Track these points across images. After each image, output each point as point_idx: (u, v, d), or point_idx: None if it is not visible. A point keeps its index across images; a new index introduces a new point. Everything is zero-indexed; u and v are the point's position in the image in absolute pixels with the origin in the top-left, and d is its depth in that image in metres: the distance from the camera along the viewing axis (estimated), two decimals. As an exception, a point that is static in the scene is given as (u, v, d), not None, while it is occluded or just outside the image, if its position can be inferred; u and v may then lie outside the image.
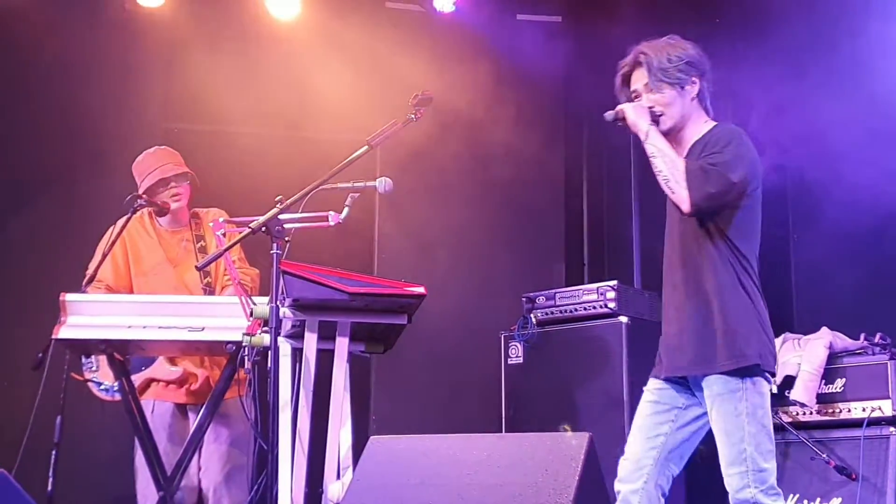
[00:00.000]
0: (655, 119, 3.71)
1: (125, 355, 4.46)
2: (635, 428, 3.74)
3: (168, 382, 4.78)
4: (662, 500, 3.69)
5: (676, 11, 6.24)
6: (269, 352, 3.69)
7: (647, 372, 3.81)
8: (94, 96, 6.19)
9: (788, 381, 5.21)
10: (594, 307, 5.51)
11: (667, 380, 3.74)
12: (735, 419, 3.55)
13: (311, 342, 3.81)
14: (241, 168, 6.22)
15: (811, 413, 5.18)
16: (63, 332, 4.17)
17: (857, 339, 5.23)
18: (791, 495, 5.14)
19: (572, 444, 2.86)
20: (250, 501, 4.11)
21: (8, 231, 6.10)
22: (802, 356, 5.19)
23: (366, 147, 3.93)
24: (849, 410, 5.10)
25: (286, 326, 3.84)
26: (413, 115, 3.95)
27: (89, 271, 4.64)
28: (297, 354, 3.86)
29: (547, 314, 5.68)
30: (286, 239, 3.76)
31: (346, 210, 3.96)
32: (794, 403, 5.17)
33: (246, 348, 3.79)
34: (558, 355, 5.58)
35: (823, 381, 5.16)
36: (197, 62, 6.26)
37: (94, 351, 4.42)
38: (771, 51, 5.94)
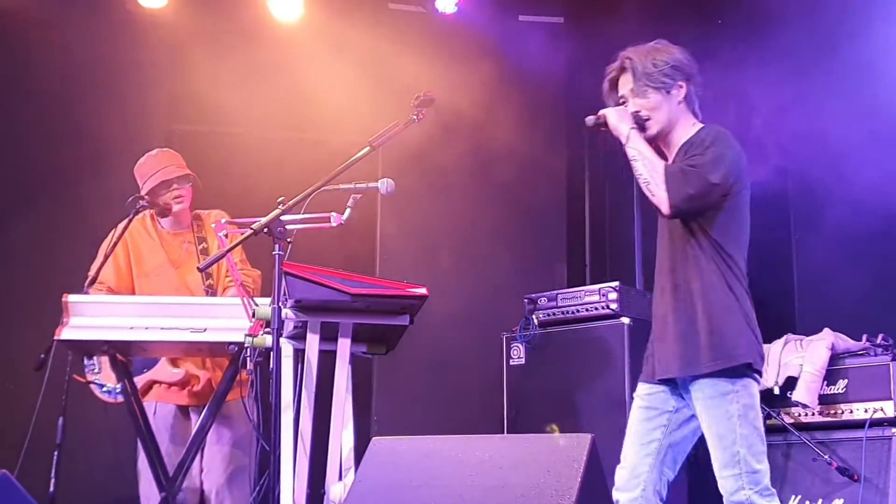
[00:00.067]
0: (642, 124, 3.73)
1: (127, 356, 4.46)
2: (629, 435, 3.74)
3: (170, 384, 4.79)
4: None
5: (678, 12, 6.24)
6: (272, 353, 3.68)
7: (649, 373, 3.81)
8: (97, 97, 6.20)
9: (790, 382, 5.21)
10: (596, 308, 5.51)
11: (656, 383, 3.74)
12: (727, 422, 3.55)
13: (313, 343, 3.81)
14: (244, 169, 6.23)
15: (813, 414, 5.18)
16: (65, 333, 4.17)
17: (860, 340, 5.23)
18: (793, 496, 5.14)
19: (574, 445, 2.86)
20: (252, 503, 4.11)
21: (10, 232, 6.10)
22: (804, 357, 5.19)
23: (368, 148, 3.93)
24: (851, 411, 5.10)
25: (288, 327, 3.85)
26: (415, 116, 3.95)
27: (91, 273, 4.64)
28: (299, 355, 3.86)
29: (549, 315, 5.69)
30: (288, 240, 3.77)
31: (348, 211, 3.96)
32: (797, 404, 5.17)
33: (248, 349, 3.79)
34: (560, 356, 5.58)
35: (825, 382, 5.16)
36: (200, 63, 6.26)
37: (96, 352, 4.42)
38: (773, 52, 5.94)
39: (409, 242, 6.54)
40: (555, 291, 5.77)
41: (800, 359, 5.20)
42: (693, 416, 3.69)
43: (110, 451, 5.38)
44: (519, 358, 5.71)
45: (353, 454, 3.89)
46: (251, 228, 3.77)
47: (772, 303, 6.12)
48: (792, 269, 6.18)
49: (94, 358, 4.61)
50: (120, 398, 4.54)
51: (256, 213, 3.87)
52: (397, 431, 4.37)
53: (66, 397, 4.35)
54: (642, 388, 3.78)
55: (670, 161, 3.72)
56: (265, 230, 3.74)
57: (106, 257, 4.68)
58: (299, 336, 3.86)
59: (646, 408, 3.75)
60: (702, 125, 3.77)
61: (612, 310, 5.45)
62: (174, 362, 4.78)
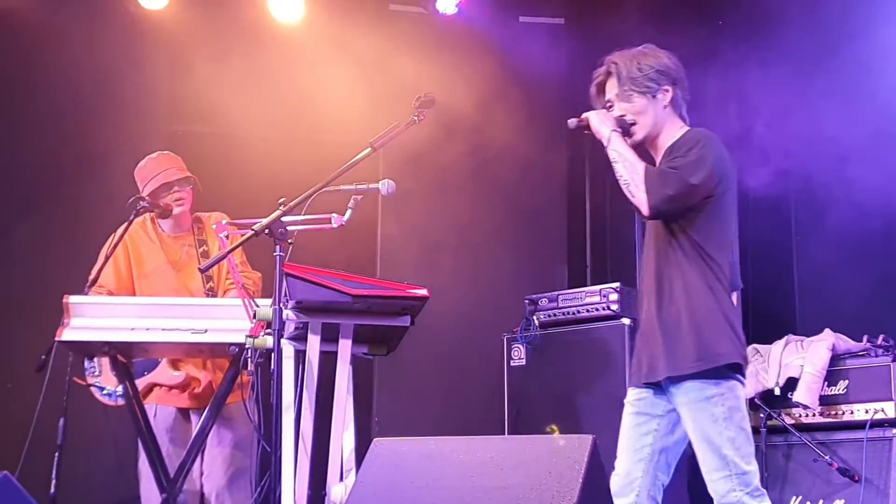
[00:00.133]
0: (627, 128, 3.75)
1: (128, 357, 4.45)
2: (621, 442, 3.74)
3: (170, 387, 4.78)
4: None
5: (679, 13, 6.24)
6: (273, 354, 3.68)
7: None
8: (98, 98, 6.21)
9: (791, 383, 5.21)
10: (597, 309, 5.52)
11: (644, 387, 3.75)
12: (713, 425, 3.55)
13: (314, 344, 3.80)
14: (245, 170, 6.23)
15: (814, 415, 5.18)
16: (66, 334, 4.17)
17: (860, 340, 5.24)
18: (794, 497, 5.14)
19: (575, 446, 2.86)
20: (253, 504, 4.11)
21: (12, 233, 6.11)
22: (805, 358, 5.19)
23: (369, 149, 3.93)
24: (851, 412, 5.10)
25: (289, 328, 3.84)
26: (416, 117, 3.95)
27: (92, 275, 4.64)
28: (300, 356, 3.86)
29: (549, 316, 5.69)
30: (289, 241, 3.76)
31: (349, 212, 3.95)
32: (797, 405, 5.18)
33: (249, 350, 3.79)
34: (561, 357, 5.58)
35: (826, 383, 5.16)
36: (200, 64, 6.26)
37: (97, 353, 4.42)
38: (774, 53, 5.94)
39: (410, 243, 6.54)
40: (555, 292, 5.78)
41: (800, 359, 5.21)
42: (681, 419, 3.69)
43: (111, 453, 5.38)
44: (520, 359, 5.71)
45: (354, 455, 3.89)
46: (252, 229, 3.77)
47: (773, 303, 6.14)
48: (793, 269, 6.18)
49: (95, 360, 4.61)
50: (120, 401, 4.54)
51: (257, 214, 3.87)
52: (398, 432, 4.37)
53: (67, 398, 4.35)
54: (631, 394, 3.79)
55: (657, 165, 3.73)
56: (266, 231, 3.73)
57: (106, 259, 4.68)
58: (300, 337, 3.86)
59: (636, 413, 3.75)
60: (688, 128, 3.78)
61: (613, 311, 5.45)
62: (175, 365, 4.78)
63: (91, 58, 6.15)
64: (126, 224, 4.73)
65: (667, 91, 3.76)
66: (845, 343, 5.25)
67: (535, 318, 5.71)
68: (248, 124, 6.41)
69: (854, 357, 5.18)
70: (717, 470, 3.55)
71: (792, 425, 5.22)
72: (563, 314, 5.64)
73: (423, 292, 3.83)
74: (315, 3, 6.45)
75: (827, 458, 5.05)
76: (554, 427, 5.47)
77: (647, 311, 3.75)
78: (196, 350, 4.44)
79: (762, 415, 5.29)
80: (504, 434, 5.61)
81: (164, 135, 6.13)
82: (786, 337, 5.41)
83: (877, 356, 5.12)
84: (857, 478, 4.94)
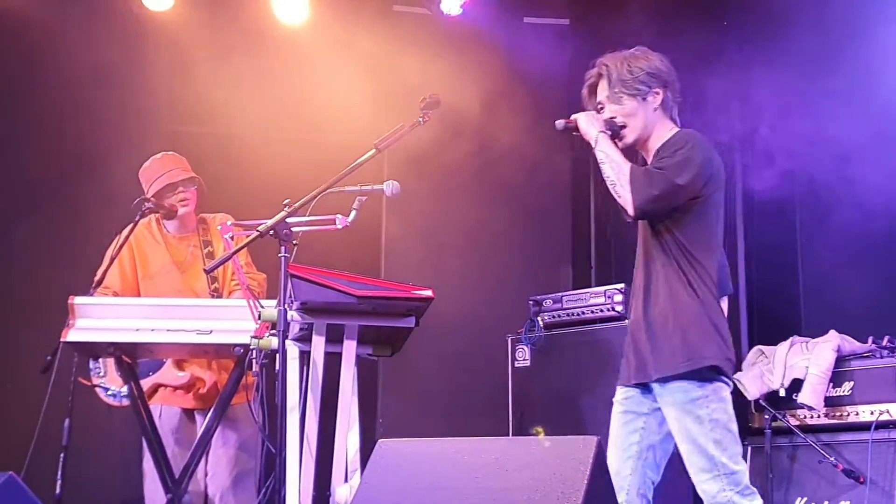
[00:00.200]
0: (617, 130, 3.77)
1: (133, 358, 4.46)
2: (610, 440, 3.76)
3: (175, 387, 4.79)
4: None
5: (684, 14, 6.23)
6: (277, 355, 3.69)
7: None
8: (101, 99, 6.21)
9: (796, 385, 5.20)
10: (601, 310, 5.51)
11: (631, 386, 3.76)
12: (699, 427, 3.56)
13: (318, 345, 3.81)
14: (248, 171, 6.23)
15: (819, 416, 5.18)
16: (71, 335, 4.18)
17: (865, 342, 5.23)
18: (799, 498, 5.13)
19: (580, 447, 2.86)
20: (258, 505, 4.12)
21: (16, 234, 6.12)
22: (810, 359, 5.18)
23: (373, 150, 3.93)
24: (857, 413, 5.09)
25: (294, 329, 3.85)
26: (421, 119, 3.95)
27: (97, 276, 4.65)
28: (304, 357, 3.86)
29: (554, 317, 5.68)
30: (294, 242, 3.77)
31: (353, 213, 3.96)
32: (802, 406, 5.17)
33: (254, 351, 3.80)
34: (565, 358, 5.57)
35: (831, 385, 5.16)
36: (204, 65, 6.27)
37: (102, 354, 4.42)
38: (778, 54, 5.93)
39: (414, 244, 6.55)
40: (560, 293, 5.77)
41: (805, 361, 5.20)
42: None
43: (116, 453, 5.40)
44: (524, 360, 5.71)
45: (359, 456, 3.89)
46: (257, 231, 3.77)
47: (778, 305, 6.14)
48: (798, 270, 6.18)
49: (100, 361, 4.62)
50: (125, 401, 4.55)
51: (260, 214, 3.87)
52: (402, 433, 4.38)
53: (73, 399, 4.36)
54: (619, 393, 3.81)
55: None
56: (271, 232, 3.74)
57: (111, 261, 4.68)
58: (305, 338, 3.86)
59: (623, 412, 3.78)
60: (678, 130, 3.79)
61: (618, 312, 5.45)
62: (179, 365, 4.78)
63: (94, 58, 6.15)
64: (131, 225, 4.74)
65: (657, 93, 3.77)
66: (850, 344, 5.24)
67: (539, 319, 5.70)
68: (251, 125, 6.42)
69: (859, 358, 5.18)
70: (705, 471, 3.56)
71: (797, 426, 5.21)
72: (568, 315, 5.63)
73: (428, 293, 3.83)
74: (319, 5, 6.45)
75: (832, 459, 5.04)
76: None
77: (635, 312, 3.78)
78: (201, 351, 4.45)
79: (767, 416, 5.28)
80: (508, 435, 5.60)
81: (167, 135, 6.13)
82: (791, 338, 5.40)
83: (882, 357, 5.12)
84: (862, 479, 4.93)
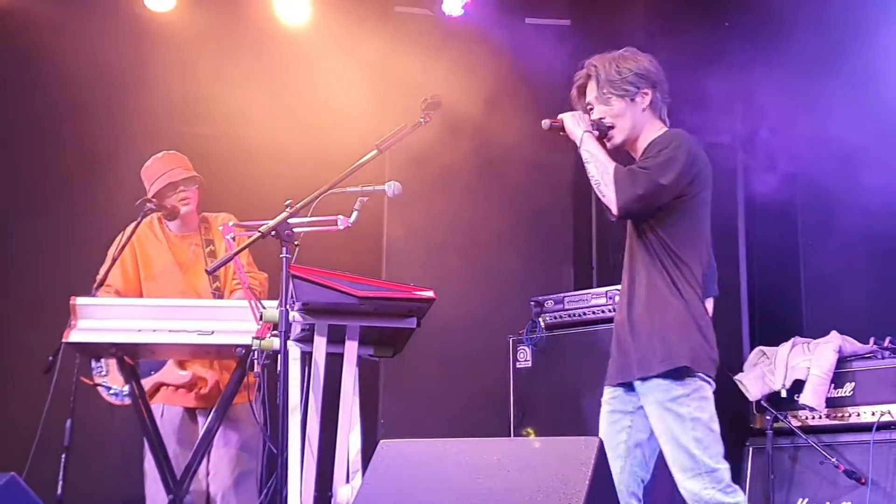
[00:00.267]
0: (605, 131, 3.79)
1: (135, 359, 4.47)
2: None
3: (177, 386, 4.79)
4: None
5: (685, 15, 6.23)
6: (279, 355, 3.69)
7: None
8: (105, 100, 6.22)
9: (798, 385, 5.20)
10: (603, 311, 5.50)
11: (616, 385, 3.78)
12: (680, 425, 3.57)
13: (320, 346, 3.81)
14: (251, 171, 6.24)
15: (820, 417, 5.18)
16: (73, 336, 4.18)
17: (867, 342, 5.23)
18: (800, 499, 5.13)
19: (582, 448, 2.86)
20: (259, 505, 4.12)
21: (19, 234, 6.13)
22: (812, 360, 5.18)
23: (375, 151, 3.93)
24: (858, 414, 5.09)
25: (295, 330, 3.85)
26: (422, 119, 3.95)
27: (99, 275, 4.65)
28: (306, 358, 3.86)
29: (555, 318, 5.68)
30: (295, 243, 3.77)
31: (355, 214, 3.96)
32: (804, 407, 5.17)
33: (255, 352, 3.80)
34: (567, 359, 5.57)
35: (833, 385, 5.16)
36: (207, 66, 6.28)
37: (104, 354, 4.43)
38: (780, 54, 5.93)
39: (416, 245, 6.54)
40: (561, 294, 5.77)
41: (807, 362, 5.20)
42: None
43: (118, 454, 5.40)
44: (525, 361, 5.70)
45: (361, 457, 3.89)
46: (259, 231, 3.77)
47: (779, 306, 6.13)
48: (799, 271, 6.17)
49: (102, 360, 4.62)
50: (127, 400, 4.55)
51: (263, 215, 3.87)
52: (404, 434, 4.38)
53: (74, 399, 4.36)
54: (606, 393, 3.83)
55: None
56: (272, 233, 3.74)
57: (113, 261, 4.69)
58: (306, 339, 3.86)
59: (611, 412, 3.79)
60: (667, 130, 3.80)
61: (619, 312, 5.44)
62: (181, 364, 4.78)
63: (98, 59, 6.15)
64: (134, 225, 4.74)
65: (646, 94, 3.79)
66: (852, 345, 5.24)
67: (540, 319, 5.70)
68: (254, 126, 6.43)
69: (861, 359, 5.18)
70: (687, 469, 3.56)
71: (798, 427, 5.21)
72: (569, 316, 5.63)
73: (430, 294, 3.83)
74: (321, 6, 6.45)
75: (833, 460, 5.04)
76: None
77: (620, 312, 3.80)
78: (203, 351, 4.45)
79: (769, 417, 5.28)
80: (510, 436, 5.60)
81: (171, 136, 6.13)
82: (792, 339, 5.40)
83: (883, 358, 5.12)
84: (863, 480, 4.93)
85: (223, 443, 4.79)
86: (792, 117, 5.70)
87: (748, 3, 6.25)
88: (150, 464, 4.65)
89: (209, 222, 5.04)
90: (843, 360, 5.17)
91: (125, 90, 6.29)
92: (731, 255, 6.33)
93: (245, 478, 4.79)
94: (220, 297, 4.87)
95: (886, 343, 5.15)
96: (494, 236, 6.62)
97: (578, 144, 3.76)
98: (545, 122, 3.87)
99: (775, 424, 5.27)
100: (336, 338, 3.84)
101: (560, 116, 3.85)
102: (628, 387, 3.73)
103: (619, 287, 5.42)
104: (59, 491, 4.29)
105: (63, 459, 4.30)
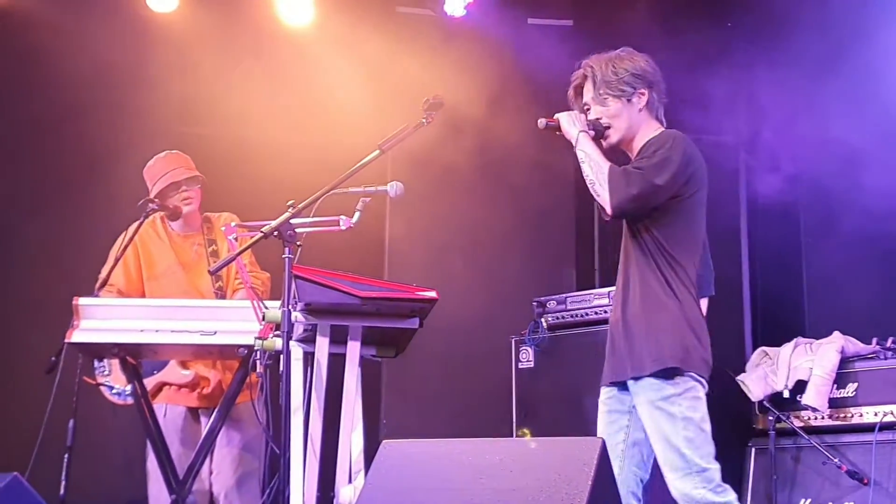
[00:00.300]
0: (602, 131, 3.79)
1: (138, 359, 4.47)
2: None
3: (180, 386, 4.79)
4: None
5: (687, 16, 6.23)
6: (281, 356, 3.69)
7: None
8: (107, 100, 6.22)
9: (800, 386, 5.20)
10: (605, 311, 5.50)
11: (610, 385, 3.78)
12: (671, 425, 3.56)
13: (322, 346, 3.80)
14: (253, 172, 6.23)
15: (823, 417, 5.18)
16: (76, 336, 4.18)
17: (870, 343, 5.23)
18: (803, 500, 5.14)
19: (584, 449, 2.86)
20: (262, 505, 4.12)
21: (21, 234, 6.13)
22: (814, 360, 5.18)
23: (377, 151, 3.93)
24: (861, 415, 5.10)
25: (298, 330, 3.84)
26: (424, 120, 3.95)
27: (102, 275, 4.66)
28: (308, 358, 3.86)
29: (558, 318, 5.68)
30: (298, 243, 3.77)
31: (357, 214, 3.96)
32: (806, 408, 5.17)
33: (258, 352, 3.79)
34: (569, 360, 5.57)
35: (835, 386, 5.16)
36: (209, 67, 6.27)
37: (106, 354, 4.43)
38: (783, 55, 5.93)
39: (418, 245, 6.54)
40: (564, 294, 5.77)
41: (809, 362, 5.20)
42: None
43: (120, 454, 5.41)
44: (528, 361, 5.71)
45: (363, 457, 3.89)
46: (261, 231, 3.77)
47: (782, 306, 6.13)
48: (802, 272, 6.18)
49: (105, 360, 4.62)
50: (130, 400, 4.55)
51: (266, 216, 3.87)
52: (406, 434, 4.38)
53: (77, 400, 4.37)
54: (603, 393, 3.83)
55: None
56: (275, 233, 3.74)
57: (116, 260, 4.69)
58: (309, 339, 3.86)
59: (608, 412, 3.79)
60: (663, 130, 3.80)
61: (622, 313, 5.44)
62: (184, 364, 4.79)
63: (100, 60, 6.15)
64: (136, 225, 4.75)
65: (642, 94, 3.79)
66: (854, 345, 5.24)
67: (543, 320, 5.70)
68: (256, 126, 6.43)
69: (863, 359, 5.18)
70: (677, 469, 3.56)
71: (801, 428, 5.21)
72: (572, 316, 5.63)
73: (432, 294, 3.83)
74: (323, 6, 6.46)
75: (836, 460, 5.04)
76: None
77: (614, 312, 3.80)
78: (205, 352, 4.45)
79: (771, 417, 5.29)
80: (512, 436, 5.60)
81: (173, 136, 6.12)
82: (795, 339, 5.40)
83: (886, 359, 5.12)
84: (866, 481, 4.93)
85: (226, 443, 4.80)
86: (794, 118, 5.70)
87: (750, 4, 6.25)
88: (152, 464, 4.65)
89: (212, 222, 5.04)
90: (845, 361, 5.17)
91: (127, 90, 6.29)
92: (734, 255, 6.34)
93: (248, 478, 4.80)
94: (223, 297, 4.87)
95: (889, 343, 5.15)
96: (497, 237, 6.62)
97: (574, 144, 3.77)
98: (541, 121, 3.88)
99: (778, 425, 5.27)
100: (338, 338, 3.84)
101: (556, 116, 3.86)
102: (622, 386, 3.73)
103: (621, 287, 5.49)
104: (62, 491, 4.29)
105: (66, 459, 4.31)
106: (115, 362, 4.51)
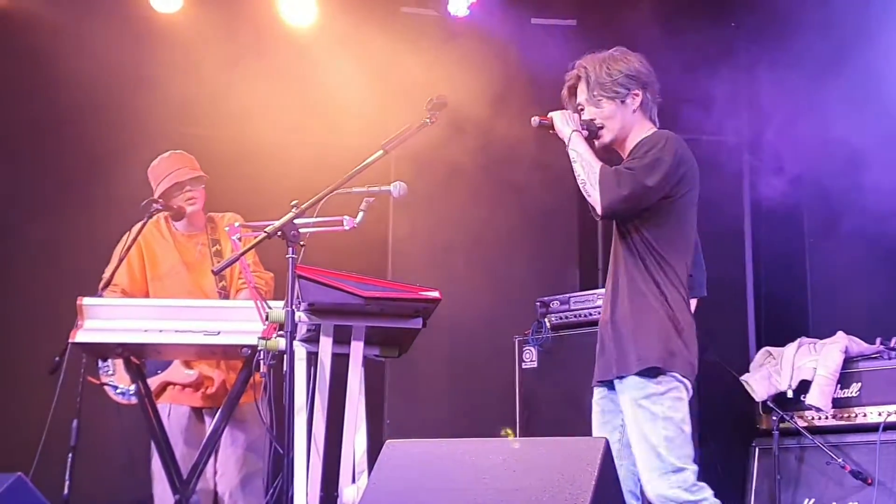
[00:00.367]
0: (595, 131, 3.80)
1: (141, 359, 4.47)
2: None
3: (184, 386, 4.80)
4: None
5: (690, 16, 6.23)
6: (285, 356, 3.69)
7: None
8: (111, 101, 6.22)
9: (804, 386, 5.20)
10: (608, 311, 5.50)
11: (601, 386, 3.80)
12: (651, 423, 3.57)
13: (326, 346, 3.81)
14: (256, 172, 6.24)
15: (827, 417, 5.18)
16: (80, 336, 4.18)
17: (873, 343, 5.23)
18: (807, 499, 5.13)
19: (588, 448, 2.86)
20: (266, 505, 4.12)
21: (25, 235, 6.13)
22: (818, 360, 5.18)
23: (381, 152, 3.93)
24: (864, 415, 5.09)
25: (301, 330, 3.85)
26: (428, 120, 3.95)
27: (106, 275, 4.66)
28: (312, 358, 3.86)
29: (561, 318, 5.68)
30: (301, 243, 3.77)
31: (360, 214, 3.96)
32: (810, 408, 5.17)
33: (261, 352, 3.80)
34: (573, 359, 5.57)
35: (839, 386, 5.16)
36: (213, 68, 6.27)
37: (110, 354, 4.43)
38: (786, 56, 5.93)
39: (422, 245, 6.55)
40: (567, 294, 5.77)
41: (813, 362, 5.20)
42: None
43: (124, 454, 5.40)
44: (531, 361, 5.71)
45: (367, 457, 3.89)
46: (264, 231, 3.78)
47: (786, 306, 6.13)
48: (805, 272, 6.17)
49: (109, 360, 4.63)
50: (134, 400, 4.55)
51: (269, 216, 3.88)
52: (409, 434, 4.38)
53: (81, 400, 4.37)
54: (595, 394, 3.85)
55: None
56: (278, 233, 3.74)
57: (120, 260, 4.70)
58: (312, 339, 3.86)
59: (601, 412, 3.81)
60: (655, 130, 3.80)
61: (625, 313, 5.43)
62: (188, 364, 4.79)
63: (103, 61, 6.15)
64: (140, 225, 4.75)
65: (636, 95, 3.79)
66: (858, 345, 5.24)
67: (546, 320, 5.70)
68: (259, 127, 6.43)
69: (867, 359, 5.17)
70: (653, 469, 3.56)
71: (805, 428, 5.21)
72: (575, 316, 5.63)
73: (435, 294, 3.83)
74: (327, 7, 6.46)
75: (840, 460, 5.04)
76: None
77: (604, 312, 3.80)
78: (209, 352, 4.45)
79: (775, 417, 5.28)
80: (516, 436, 5.60)
81: (176, 137, 6.12)
82: (798, 339, 5.40)
83: (890, 359, 5.12)
84: (869, 481, 4.93)
85: (230, 443, 4.80)
86: (797, 118, 5.70)
87: (753, 4, 6.25)
88: (157, 464, 4.66)
89: (215, 222, 5.05)
90: (849, 361, 5.17)
91: (131, 91, 6.29)
92: (738, 256, 6.34)
93: (252, 478, 4.80)
94: (227, 297, 4.87)
95: (893, 343, 5.15)
96: (500, 237, 6.62)
97: (566, 143, 3.77)
98: (534, 120, 3.89)
99: (781, 425, 5.27)
100: (342, 338, 3.84)
101: (550, 114, 3.86)
102: (612, 386, 3.74)
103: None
104: (66, 491, 4.29)
105: (70, 459, 4.31)
106: (119, 362, 4.51)
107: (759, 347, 5.74)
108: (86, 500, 4.68)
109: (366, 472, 3.83)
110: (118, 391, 4.64)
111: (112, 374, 4.67)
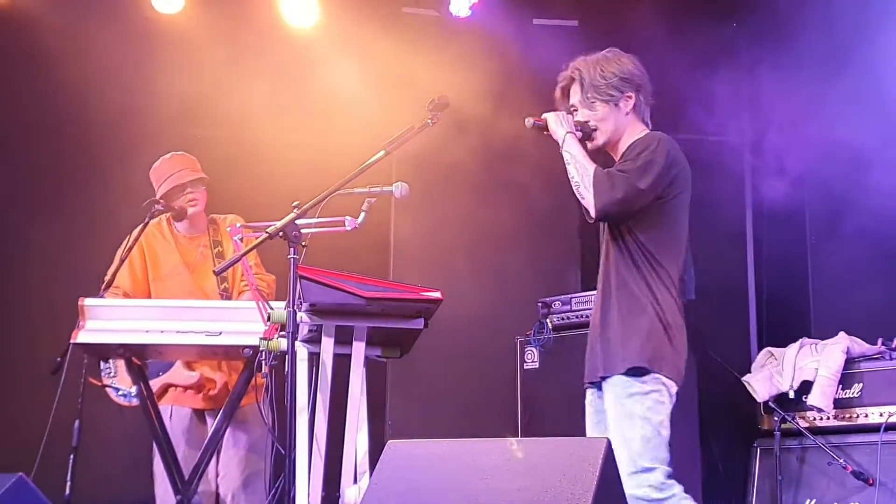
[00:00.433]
0: (589, 133, 3.80)
1: (143, 360, 4.47)
2: None
3: (185, 387, 4.80)
4: None
5: (692, 16, 6.23)
6: (287, 356, 3.69)
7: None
8: (113, 102, 6.22)
9: (806, 386, 5.20)
10: (610, 312, 5.50)
11: (591, 387, 3.83)
12: (629, 421, 3.58)
13: (327, 347, 3.81)
14: (259, 173, 6.24)
15: (828, 418, 5.18)
16: (81, 337, 4.18)
17: (875, 343, 5.23)
18: (808, 500, 5.13)
19: (589, 449, 2.86)
20: (267, 506, 4.12)
21: (26, 236, 6.14)
22: (820, 361, 5.18)
23: (382, 152, 3.93)
24: (866, 415, 5.09)
25: (303, 331, 3.85)
26: (429, 120, 3.95)
27: (107, 277, 4.66)
28: (313, 359, 3.86)
29: (563, 319, 5.68)
30: (303, 244, 3.77)
31: (362, 215, 3.96)
32: (812, 408, 5.17)
33: (263, 353, 3.80)
34: (574, 360, 5.50)
35: (841, 386, 5.15)
36: (215, 68, 6.27)
37: (112, 355, 4.43)
38: (788, 56, 5.93)
39: (423, 246, 6.55)
40: (569, 295, 5.77)
41: (815, 363, 5.20)
42: None
43: (126, 454, 5.39)
44: (533, 362, 5.70)
45: (368, 457, 3.89)
46: (266, 232, 3.77)
47: (787, 307, 6.13)
48: (807, 273, 6.17)
49: (110, 361, 4.63)
50: (135, 401, 4.56)
51: (271, 216, 3.88)
52: (411, 435, 4.37)
53: (82, 400, 4.37)
54: (587, 394, 3.88)
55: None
56: (280, 234, 3.74)
57: (122, 262, 4.70)
58: (314, 340, 3.86)
59: (594, 412, 3.84)
60: (648, 132, 3.80)
61: (626, 313, 5.43)
62: (189, 365, 4.79)
63: (106, 61, 6.16)
64: (141, 226, 4.75)
65: (629, 97, 3.80)
66: (860, 346, 5.24)
67: (548, 321, 5.70)
68: (261, 127, 6.43)
69: (869, 360, 5.17)
70: (622, 469, 3.53)
71: (806, 428, 5.21)
72: (577, 317, 5.63)
73: (437, 295, 3.83)
74: (329, 7, 6.46)
75: (841, 461, 5.03)
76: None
77: (594, 314, 3.83)
78: (210, 352, 4.46)
79: (776, 418, 5.28)
80: (517, 436, 5.60)
81: (178, 138, 6.13)
82: (800, 340, 5.40)
83: (891, 359, 5.12)
84: (871, 481, 4.93)
85: (232, 444, 4.80)
86: (800, 119, 5.69)
87: (755, 4, 6.25)
88: (159, 465, 4.66)
89: (217, 223, 5.05)
90: (850, 361, 5.17)
91: (132, 92, 6.30)
92: (739, 256, 6.34)
93: (254, 478, 4.80)
94: (228, 297, 4.87)
95: (894, 344, 5.14)
96: (502, 237, 6.62)
97: (560, 145, 3.79)
98: (528, 120, 3.90)
99: (783, 425, 5.27)
100: (343, 339, 3.84)
101: (544, 115, 3.87)
102: (601, 386, 3.75)
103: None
104: (67, 492, 4.29)
105: (71, 460, 4.31)
106: (121, 364, 4.52)
107: (760, 348, 5.74)
108: (87, 500, 4.68)
109: (367, 473, 3.83)
110: (120, 393, 4.65)
111: (114, 376, 4.67)
